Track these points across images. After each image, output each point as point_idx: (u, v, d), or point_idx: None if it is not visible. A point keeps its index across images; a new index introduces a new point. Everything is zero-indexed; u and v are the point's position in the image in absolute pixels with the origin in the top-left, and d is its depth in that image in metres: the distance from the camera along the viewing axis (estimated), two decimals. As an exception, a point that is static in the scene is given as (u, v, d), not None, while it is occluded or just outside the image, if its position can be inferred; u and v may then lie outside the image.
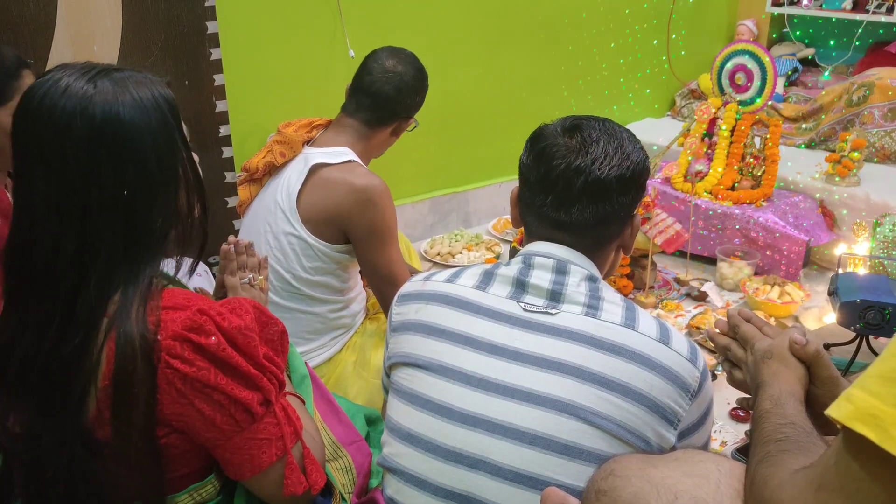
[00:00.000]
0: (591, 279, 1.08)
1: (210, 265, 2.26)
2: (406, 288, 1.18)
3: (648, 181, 2.61)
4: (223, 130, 2.23)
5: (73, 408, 0.87)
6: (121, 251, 0.89)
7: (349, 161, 1.71)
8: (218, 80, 2.18)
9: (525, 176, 1.13)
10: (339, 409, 1.28)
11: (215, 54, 2.16)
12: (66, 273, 0.88)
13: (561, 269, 1.07)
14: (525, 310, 1.05)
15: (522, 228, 1.17)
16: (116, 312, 0.87)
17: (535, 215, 1.12)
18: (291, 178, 1.73)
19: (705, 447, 1.08)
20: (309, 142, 1.81)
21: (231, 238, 1.30)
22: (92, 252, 0.88)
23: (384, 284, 1.73)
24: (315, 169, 1.70)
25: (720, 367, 1.89)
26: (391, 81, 1.76)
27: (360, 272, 1.84)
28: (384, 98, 1.76)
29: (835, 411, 0.66)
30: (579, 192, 1.06)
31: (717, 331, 1.18)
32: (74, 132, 0.87)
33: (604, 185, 1.06)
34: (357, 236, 1.69)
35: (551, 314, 1.04)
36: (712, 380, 1.86)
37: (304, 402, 1.11)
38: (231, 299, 0.95)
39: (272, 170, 1.81)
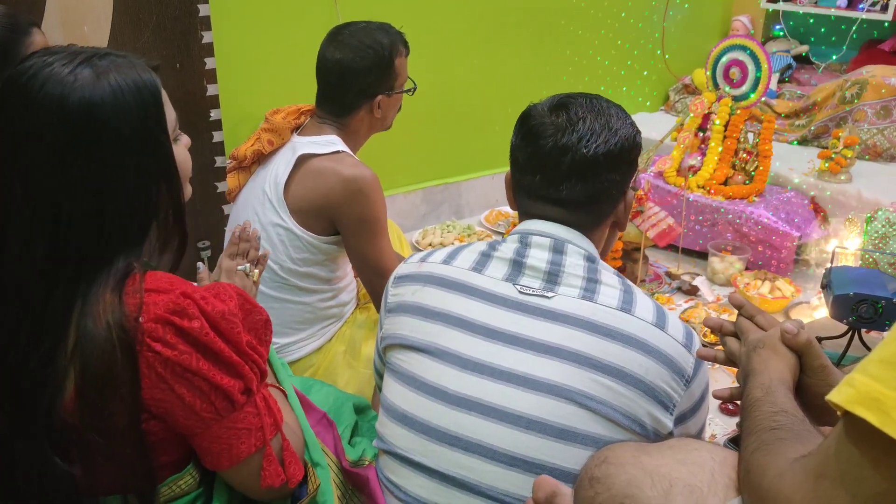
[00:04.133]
0: (590, 259, 1.07)
1: (199, 249, 2.24)
2: (402, 269, 1.18)
3: (641, 175, 2.62)
4: (214, 114, 2.21)
5: (43, 413, 0.84)
6: (93, 255, 0.87)
7: (338, 151, 1.68)
8: (209, 63, 2.16)
9: (515, 156, 1.13)
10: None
11: (207, 37, 2.14)
12: (36, 276, 0.86)
13: (558, 249, 1.06)
14: (521, 293, 1.04)
15: (517, 220, 1.16)
16: (81, 310, 0.85)
17: (525, 194, 1.12)
18: (279, 167, 1.70)
19: (700, 434, 1.09)
20: (297, 129, 1.79)
21: (247, 223, 1.30)
22: (63, 255, 0.86)
23: (374, 276, 1.70)
24: (303, 159, 1.67)
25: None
26: (333, 71, 1.70)
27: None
28: (334, 88, 1.71)
29: (836, 396, 0.65)
30: (567, 171, 1.06)
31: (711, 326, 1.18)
32: (50, 132, 0.84)
33: (590, 162, 1.05)
34: (346, 228, 1.67)
35: (547, 297, 1.03)
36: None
37: (286, 395, 1.09)
38: (215, 284, 0.93)
39: (260, 158, 1.79)
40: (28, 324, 0.86)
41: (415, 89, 1.83)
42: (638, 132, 1.12)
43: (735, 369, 1.13)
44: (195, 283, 0.99)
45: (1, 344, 0.86)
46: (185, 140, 1.01)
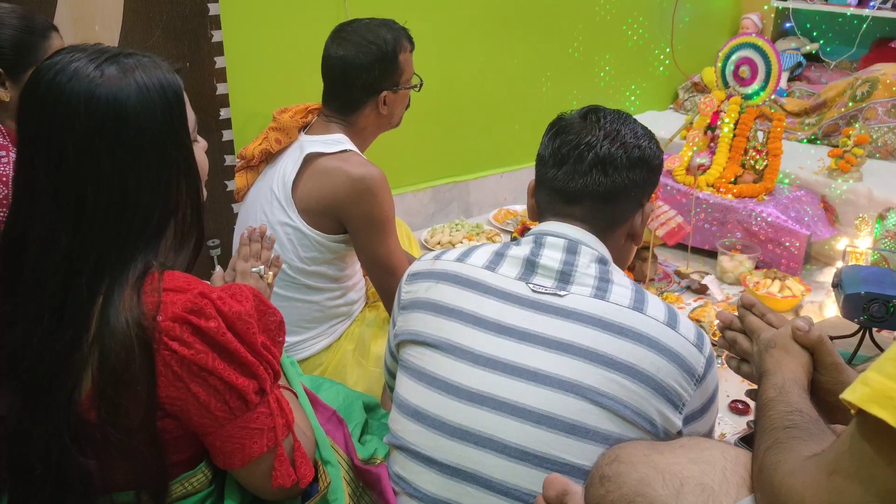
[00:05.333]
0: (602, 261, 1.08)
1: (209, 247, 2.25)
2: (416, 266, 1.19)
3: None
4: (224, 113, 2.22)
5: (62, 405, 0.86)
6: (115, 249, 0.89)
7: (345, 150, 1.69)
8: (219, 62, 2.17)
9: (541, 155, 1.17)
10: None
11: (217, 36, 2.15)
12: (58, 268, 0.87)
13: (572, 250, 1.08)
14: (534, 291, 1.05)
15: (526, 220, 1.17)
16: (103, 305, 0.86)
17: (546, 190, 1.15)
18: (287, 166, 1.70)
19: (709, 434, 1.09)
20: (305, 127, 1.79)
21: (263, 227, 1.31)
22: (85, 248, 0.88)
23: (383, 275, 1.71)
24: (310, 158, 1.67)
25: (719, 360, 1.89)
26: (337, 67, 1.70)
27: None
28: (338, 85, 1.71)
29: (850, 394, 0.65)
30: (590, 164, 1.10)
31: (720, 322, 1.18)
32: (77, 126, 0.86)
33: (613, 157, 1.10)
34: (354, 226, 1.67)
35: (560, 296, 1.04)
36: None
37: (297, 396, 1.09)
38: (231, 285, 0.94)
39: (268, 157, 1.79)
40: (48, 312, 0.87)
41: (421, 85, 1.82)
42: (661, 152, 1.18)
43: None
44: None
45: (23, 331, 0.87)
46: (202, 143, 1.03)
